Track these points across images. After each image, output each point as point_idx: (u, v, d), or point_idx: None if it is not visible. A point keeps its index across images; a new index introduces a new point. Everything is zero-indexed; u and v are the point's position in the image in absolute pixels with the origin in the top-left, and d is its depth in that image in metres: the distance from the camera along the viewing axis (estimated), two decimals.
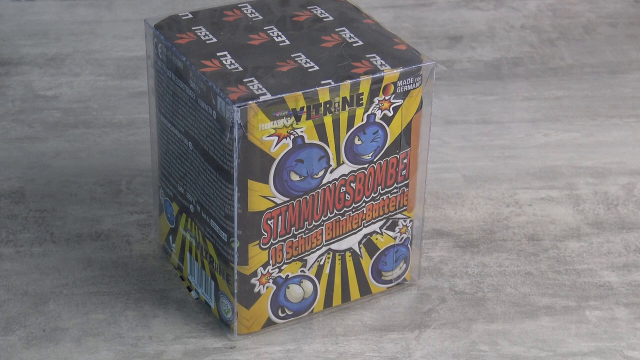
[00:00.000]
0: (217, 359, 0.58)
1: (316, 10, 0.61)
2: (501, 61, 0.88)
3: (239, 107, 0.53)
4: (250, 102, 0.53)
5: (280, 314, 0.59)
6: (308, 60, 0.56)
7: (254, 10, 0.61)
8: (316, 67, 0.56)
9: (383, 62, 0.56)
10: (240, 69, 0.55)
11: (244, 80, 0.54)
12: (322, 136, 0.55)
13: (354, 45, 0.58)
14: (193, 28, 0.59)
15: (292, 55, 0.57)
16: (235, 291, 0.57)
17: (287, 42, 0.58)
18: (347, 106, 0.55)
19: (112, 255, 0.66)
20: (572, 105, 0.82)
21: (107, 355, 0.58)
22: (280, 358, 0.58)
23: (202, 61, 0.56)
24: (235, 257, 0.57)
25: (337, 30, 0.59)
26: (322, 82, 0.54)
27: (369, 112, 0.56)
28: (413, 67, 0.56)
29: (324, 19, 0.60)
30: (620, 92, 0.84)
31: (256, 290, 0.58)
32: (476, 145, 0.77)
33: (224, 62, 0.56)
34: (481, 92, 0.83)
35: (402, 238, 0.61)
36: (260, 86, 0.54)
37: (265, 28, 0.59)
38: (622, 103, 0.82)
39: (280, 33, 0.59)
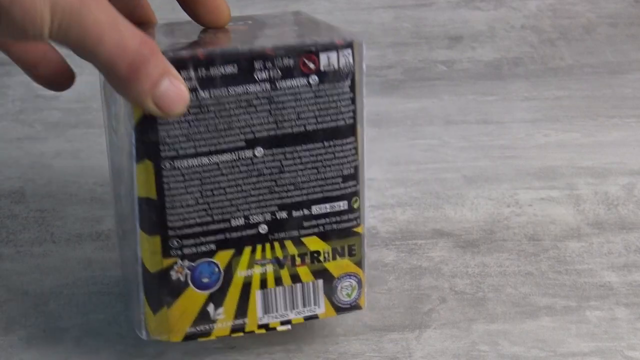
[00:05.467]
0: (217, 359, 0.58)
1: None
2: (501, 61, 0.88)
3: (350, 45, 0.53)
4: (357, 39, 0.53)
5: None
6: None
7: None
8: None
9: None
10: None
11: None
12: None
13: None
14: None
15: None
16: (362, 255, 0.56)
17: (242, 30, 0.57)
18: None
19: (113, 255, 0.66)
20: (572, 106, 0.82)
21: (107, 355, 0.58)
22: (280, 358, 0.58)
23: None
24: (362, 215, 0.55)
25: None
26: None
27: None
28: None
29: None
30: (620, 92, 0.84)
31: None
32: (476, 145, 0.77)
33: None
34: (481, 92, 0.83)
35: None
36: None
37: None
38: (622, 103, 0.82)
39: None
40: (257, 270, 0.54)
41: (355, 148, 0.54)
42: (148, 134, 0.51)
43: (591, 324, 0.61)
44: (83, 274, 0.64)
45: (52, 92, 0.82)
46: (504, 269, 0.65)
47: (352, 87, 0.53)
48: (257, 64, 0.52)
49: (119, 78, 0.47)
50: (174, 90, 0.48)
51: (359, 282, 0.56)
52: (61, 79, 0.55)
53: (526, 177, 0.74)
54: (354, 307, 0.57)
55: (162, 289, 0.54)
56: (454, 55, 0.88)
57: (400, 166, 0.74)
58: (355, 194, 0.55)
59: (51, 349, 0.59)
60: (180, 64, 0.50)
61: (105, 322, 0.61)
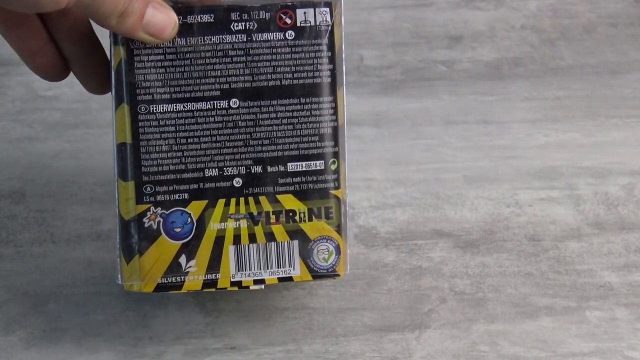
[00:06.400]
0: (217, 359, 0.58)
1: None
2: (501, 61, 0.88)
3: (328, 4, 0.53)
4: None
5: None
6: None
7: None
8: None
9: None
10: None
11: None
12: None
13: None
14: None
15: None
16: (341, 221, 0.55)
17: None
18: None
19: (112, 255, 0.66)
20: (572, 106, 0.82)
21: (107, 355, 0.58)
22: (280, 358, 0.58)
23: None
24: (342, 178, 0.55)
25: None
26: None
27: None
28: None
29: None
30: (620, 92, 0.84)
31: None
32: (476, 145, 0.77)
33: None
34: (481, 92, 0.83)
35: None
36: None
37: None
38: (622, 103, 0.82)
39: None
40: (230, 225, 0.54)
41: (334, 109, 0.54)
42: (126, 76, 0.53)
43: (591, 324, 0.61)
44: (83, 274, 0.64)
45: (52, 92, 0.82)
46: (504, 269, 0.65)
47: (330, 46, 0.54)
48: (234, 15, 0.53)
49: (114, 23, 0.51)
50: (160, 15, 0.52)
51: (337, 248, 0.55)
52: (56, 71, 0.57)
53: (526, 177, 0.74)
54: (332, 273, 0.56)
55: (134, 236, 0.54)
56: (454, 55, 0.88)
57: (400, 166, 0.74)
58: (334, 155, 0.55)
59: (51, 349, 0.59)
60: None
61: (105, 322, 0.61)
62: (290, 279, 0.55)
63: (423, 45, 0.89)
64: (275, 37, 0.54)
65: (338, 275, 0.55)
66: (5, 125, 0.78)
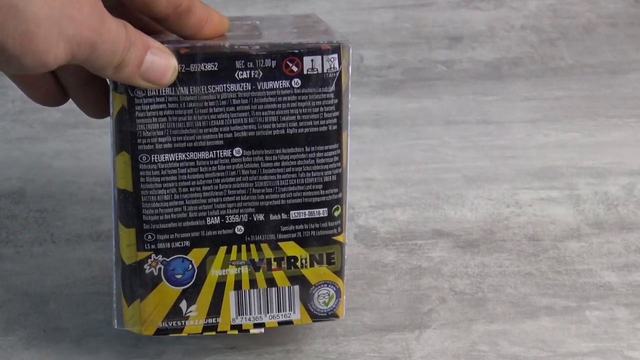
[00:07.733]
0: (217, 359, 0.58)
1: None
2: (501, 61, 0.88)
3: (337, 50, 0.51)
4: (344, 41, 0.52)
5: None
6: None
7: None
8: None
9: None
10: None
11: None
12: None
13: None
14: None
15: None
16: (342, 264, 0.55)
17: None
18: None
19: (112, 255, 0.66)
20: (572, 106, 0.82)
21: (107, 355, 0.58)
22: (280, 358, 0.58)
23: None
24: (344, 221, 0.54)
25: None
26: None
27: None
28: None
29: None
30: (620, 92, 0.84)
31: None
32: (476, 145, 0.77)
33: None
34: (481, 92, 0.84)
35: None
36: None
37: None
38: (622, 103, 0.82)
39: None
40: (231, 271, 0.54)
41: (339, 155, 0.53)
42: (126, 125, 0.52)
43: (591, 324, 0.61)
44: (83, 274, 0.64)
45: None
46: (504, 269, 0.65)
47: (337, 93, 0.52)
48: (238, 63, 0.52)
49: (110, 74, 0.50)
50: (159, 61, 0.50)
51: (337, 292, 0.55)
52: (54, 99, 0.56)
53: (526, 177, 0.74)
54: (331, 315, 0.56)
55: (135, 282, 0.54)
56: (454, 55, 0.88)
57: (400, 166, 0.74)
58: (337, 201, 0.54)
59: (51, 349, 0.59)
60: None
61: (105, 322, 0.61)
62: (290, 322, 0.55)
63: (423, 45, 0.89)
64: (281, 86, 0.52)
65: (337, 317, 0.56)
66: (5, 125, 0.78)
